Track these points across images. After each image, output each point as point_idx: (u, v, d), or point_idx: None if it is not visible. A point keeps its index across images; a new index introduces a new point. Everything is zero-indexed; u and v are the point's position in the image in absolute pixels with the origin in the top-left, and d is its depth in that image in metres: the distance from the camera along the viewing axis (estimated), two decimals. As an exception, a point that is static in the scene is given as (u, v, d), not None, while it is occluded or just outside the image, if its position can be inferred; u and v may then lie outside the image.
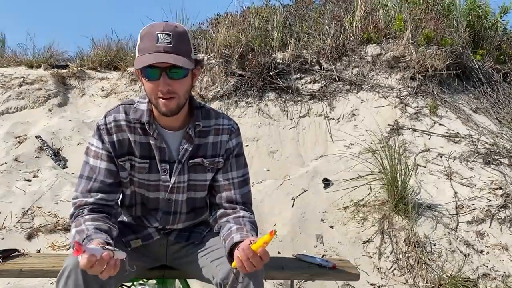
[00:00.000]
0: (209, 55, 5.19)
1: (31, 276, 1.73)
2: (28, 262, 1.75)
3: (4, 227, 3.14)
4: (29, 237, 3.08)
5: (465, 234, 3.26)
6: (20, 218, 3.26)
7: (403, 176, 3.36)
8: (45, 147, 4.17)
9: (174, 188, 1.55)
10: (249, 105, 4.88)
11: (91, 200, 1.45)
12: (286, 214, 3.45)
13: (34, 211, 3.34)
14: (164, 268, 1.69)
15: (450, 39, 5.00)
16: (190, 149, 1.52)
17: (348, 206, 3.51)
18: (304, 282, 2.84)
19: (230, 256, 1.37)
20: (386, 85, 4.87)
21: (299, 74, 5.12)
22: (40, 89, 5.24)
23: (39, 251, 2.93)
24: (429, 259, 3.03)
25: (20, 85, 5.25)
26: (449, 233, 3.25)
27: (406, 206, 3.31)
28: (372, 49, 5.17)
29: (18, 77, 5.33)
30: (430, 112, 4.54)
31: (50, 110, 5.06)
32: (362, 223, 3.37)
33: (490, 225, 3.32)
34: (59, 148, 4.27)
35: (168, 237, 1.66)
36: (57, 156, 4.13)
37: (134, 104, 1.52)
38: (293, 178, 3.91)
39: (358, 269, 1.99)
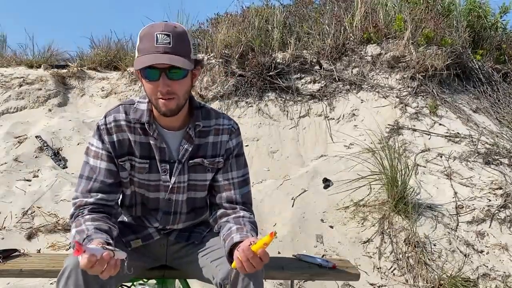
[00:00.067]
0: (209, 55, 5.19)
1: (31, 276, 1.73)
2: (28, 262, 1.75)
3: (4, 227, 3.14)
4: (29, 237, 3.09)
5: (465, 234, 3.26)
6: (20, 218, 3.26)
7: (403, 176, 3.36)
8: (45, 147, 4.17)
9: (174, 188, 1.55)
10: (249, 105, 4.88)
11: (91, 200, 1.45)
12: (286, 214, 3.45)
13: (34, 211, 3.34)
14: (164, 268, 1.69)
15: (450, 39, 5.00)
16: (190, 149, 1.52)
17: (348, 206, 3.51)
18: (304, 282, 2.84)
19: (230, 256, 1.37)
20: (386, 85, 4.87)
21: (299, 74, 5.12)
22: (40, 89, 5.25)
23: (39, 251, 2.93)
24: (429, 259, 3.03)
25: (20, 85, 5.25)
26: (449, 233, 3.25)
27: (406, 206, 3.31)
28: (372, 49, 5.17)
29: (18, 77, 5.33)
30: (430, 112, 4.54)
31: (50, 110, 5.06)
32: (362, 223, 3.37)
33: (490, 225, 3.32)
34: (59, 148, 4.27)
35: (168, 237, 1.66)
36: (57, 156, 4.13)
37: (134, 104, 1.52)
38: (293, 178, 3.91)
39: (358, 269, 1.99)
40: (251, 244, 1.26)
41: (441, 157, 3.99)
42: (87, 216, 1.40)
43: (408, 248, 3.11)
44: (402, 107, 4.59)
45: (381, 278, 2.98)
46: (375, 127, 4.29)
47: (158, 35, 1.33)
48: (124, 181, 1.53)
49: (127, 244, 1.58)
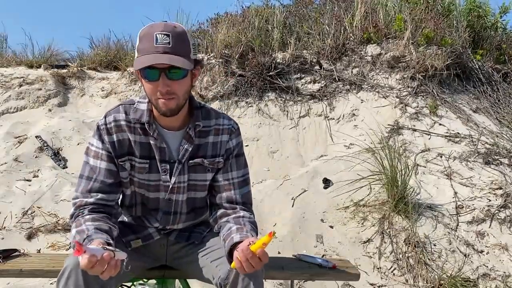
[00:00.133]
0: (209, 55, 5.19)
1: (31, 276, 1.73)
2: (28, 262, 1.75)
3: (4, 227, 3.14)
4: (29, 237, 3.09)
5: (465, 234, 3.26)
6: (20, 218, 3.26)
7: (403, 176, 3.36)
8: (45, 147, 4.17)
9: (174, 188, 1.55)
10: (249, 105, 4.88)
11: (91, 200, 1.45)
12: (286, 214, 3.45)
13: (34, 211, 3.34)
14: (164, 268, 1.69)
15: (450, 39, 5.00)
16: (190, 149, 1.52)
17: (348, 206, 3.51)
18: (304, 282, 2.84)
19: (230, 256, 1.37)
20: (386, 85, 4.87)
21: (299, 74, 5.12)
22: (40, 89, 5.25)
23: (39, 251, 2.93)
24: (429, 259, 3.03)
25: (20, 85, 5.25)
26: (449, 233, 3.25)
27: (406, 206, 3.31)
28: (372, 49, 5.17)
29: (18, 77, 5.33)
30: (430, 112, 4.54)
31: (50, 110, 5.06)
32: (362, 223, 3.37)
33: (490, 225, 3.32)
34: (59, 148, 4.27)
35: (168, 237, 1.66)
36: (57, 156, 4.13)
37: (134, 104, 1.52)
38: (293, 178, 3.91)
39: (358, 269, 1.99)
40: (250, 244, 1.26)
41: (441, 157, 3.99)
42: (87, 216, 1.40)
43: (408, 248, 3.11)
44: (402, 107, 4.59)
45: (381, 278, 2.98)
46: (375, 127, 4.29)
47: (157, 35, 1.33)
48: (124, 181, 1.53)
49: (127, 244, 1.58)
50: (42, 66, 5.55)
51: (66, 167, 4.07)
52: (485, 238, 3.24)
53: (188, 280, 1.76)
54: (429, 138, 4.25)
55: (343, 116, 4.73)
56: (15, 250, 1.84)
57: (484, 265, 3.04)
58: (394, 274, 3.01)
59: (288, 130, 4.69)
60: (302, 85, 5.04)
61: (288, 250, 2.96)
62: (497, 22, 5.88)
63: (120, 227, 1.51)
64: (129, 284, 1.70)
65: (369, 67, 5.07)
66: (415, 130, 4.35)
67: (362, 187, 3.59)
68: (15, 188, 3.59)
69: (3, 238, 3.04)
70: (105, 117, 1.50)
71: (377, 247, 3.17)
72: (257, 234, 1.47)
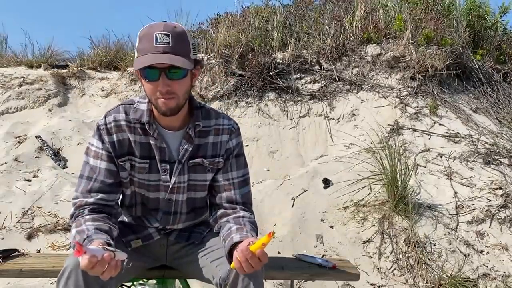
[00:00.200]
0: (209, 55, 5.19)
1: (31, 276, 1.73)
2: (28, 262, 1.76)
3: (4, 227, 3.14)
4: (29, 237, 3.09)
5: (465, 234, 3.26)
6: (20, 218, 3.26)
7: (403, 176, 3.36)
8: (45, 147, 4.17)
9: (174, 188, 1.55)
10: (249, 105, 4.88)
11: (91, 200, 1.45)
12: (286, 214, 3.45)
13: (34, 211, 3.34)
14: (164, 268, 1.69)
15: (450, 39, 5.00)
16: (190, 149, 1.52)
17: (348, 206, 3.51)
18: (304, 282, 2.84)
19: (230, 256, 1.37)
20: (386, 85, 4.87)
21: (299, 74, 5.12)
22: (40, 89, 5.25)
23: (39, 251, 2.93)
24: (429, 259, 3.03)
25: (20, 85, 5.25)
26: (449, 233, 3.25)
27: (406, 206, 3.31)
28: (372, 49, 5.17)
29: (18, 77, 5.33)
30: (430, 112, 4.54)
31: (50, 110, 5.06)
32: (362, 223, 3.36)
33: (490, 225, 3.32)
34: (59, 148, 4.27)
35: (168, 237, 1.66)
36: (57, 156, 4.13)
37: (134, 104, 1.52)
38: (293, 178, 3.91)
39: (358, 269, 1.99)
40: (250, 244, 1.26)
41: (441, 157, 3.99)
42: (87, 216, 1.40)
43: (408, 248, 3.11)
44: (402, 107, 4.59)
45: (381, 278, 2.98)
46: (375, 127, 4.29)
47: (157, 35, 1.33)
48: (124, 181, 1.53)
49: (127, 244, 1.58)
50: (42, 66, 5.55)
51: (66, 167, 4.07)
52: (485, 238, 3.24)
53: (188, 280, 1.76)
54: (429, 138, 4.25)
55: (343, 116, 4.73)
56: (15, 250, 1.84)
57: (484, 265, 3.04)
58: (394, 274, 3.01)
59: (288, 130, 4.69)
60: (302, 85, 5.04)
61: (288, 250, 2.96)
62: (497, 22, 5.89)
63: (120, 227, 1.51)
64: (129, 284, 1.70)
65: (369, 67, 5.07)
66: (415, 130, 4.35)
67: (363, 187, 3.59)
68: (15, 188, 3.59)
69: (3, 238, 3.04)
70: (105, 117, 1.50)
71: (377, 247, 3.17)
72: (257, 234, 1.47)
